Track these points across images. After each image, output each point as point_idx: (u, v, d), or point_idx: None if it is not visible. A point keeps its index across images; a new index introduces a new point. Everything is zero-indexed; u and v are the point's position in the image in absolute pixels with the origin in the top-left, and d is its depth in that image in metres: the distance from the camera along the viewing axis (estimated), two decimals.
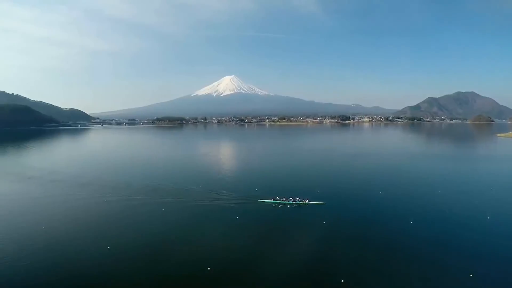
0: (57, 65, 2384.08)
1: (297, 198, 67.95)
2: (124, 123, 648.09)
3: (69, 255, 43.01)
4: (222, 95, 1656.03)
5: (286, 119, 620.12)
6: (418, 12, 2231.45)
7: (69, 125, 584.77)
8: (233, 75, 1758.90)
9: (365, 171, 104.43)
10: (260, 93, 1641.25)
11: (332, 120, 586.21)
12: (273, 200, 68.20)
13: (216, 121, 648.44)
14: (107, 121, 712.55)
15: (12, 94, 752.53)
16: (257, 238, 49.08)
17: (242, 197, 71.01)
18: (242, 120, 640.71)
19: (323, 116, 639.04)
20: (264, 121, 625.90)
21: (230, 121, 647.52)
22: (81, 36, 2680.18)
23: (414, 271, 39.04)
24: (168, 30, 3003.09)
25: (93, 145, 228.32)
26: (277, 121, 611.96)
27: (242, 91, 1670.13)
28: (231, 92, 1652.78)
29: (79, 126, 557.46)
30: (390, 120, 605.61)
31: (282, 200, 67.83)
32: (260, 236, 50.01)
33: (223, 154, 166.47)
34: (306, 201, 66.93)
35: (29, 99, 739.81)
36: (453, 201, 68.16)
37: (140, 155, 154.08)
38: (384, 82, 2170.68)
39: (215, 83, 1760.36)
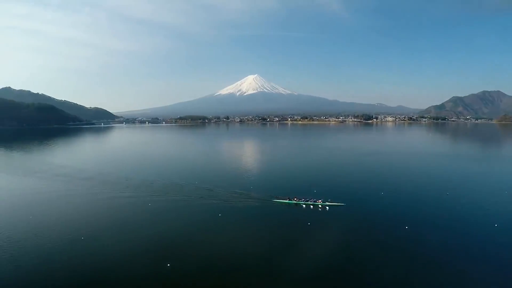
0: (82, 65, 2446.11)
1: (314, 199, 65.04)
2: (146, 122, 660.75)
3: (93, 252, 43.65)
4: (245, 94, 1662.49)
5: (308, 118, 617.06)
6: (443, 8, 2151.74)
7: (93, 124, 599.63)
8: (256, 74, 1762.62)
9: (386, 172, 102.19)
10: (283, 92, 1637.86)
11: (355, 120, 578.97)
12: (289, 200, 65.65)
13: (238, 120, 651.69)
14: (130, 120, 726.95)
15: (37, 93, 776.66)
16: (270, 241, 47.44)
17: (257, 196, 69.12)
18: (264, 119, 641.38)
19: (346, 116, 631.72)
20: (287, 120, 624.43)
21: (252, 120, 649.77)
22: (105, 36, 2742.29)
23: (438, 281, 37.03)
24: (191, 30, 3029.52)
25: (113, 143, 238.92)
26: (299, 120, 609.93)
27: (265, 90, 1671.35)
28: (254, 91, 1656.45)
29: (102, 125, 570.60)
30: (413, 120, 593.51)
31: (298, 201, 65.24)
32: (274, 238, 48.44)
33: (241, 152, 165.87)
34: (324, 202, 63.73)
35: (54, 98, 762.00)
36: (480, 205, 64.90)
37: (158, 153, 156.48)
38: (408, 81, 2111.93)
39: (238, 82, 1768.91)
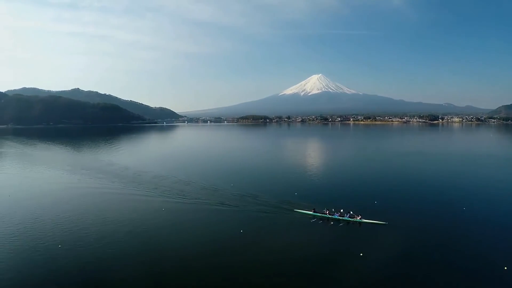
0: (148, 67, 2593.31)
1: (346, 213, 53.20)
2: (208, 121, 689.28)
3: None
4: (309, 94, 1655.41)
5: (371, 119, 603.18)
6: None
7: (155, 122, 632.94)
8: (320, 74, 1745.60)
9: (445, 181, 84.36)
10: (348, 92, 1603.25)
11: (420, 120, 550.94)
12: (313, 212, 54.88)
13: (300, 120, 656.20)
14: (194, 119, 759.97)
15: (105, 94, 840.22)
16: (285, 261, 39.07)
17: (277, 203, 60.65)
18: (326, 119, 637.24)
19: (411, 116, 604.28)
20: (349, 120, 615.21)
21: (313, 120, 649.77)
22: (167, 39, 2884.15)
23: None
24: (253, 31, 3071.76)
25: (166, 140, 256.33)
26: (361, 121, 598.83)
27: (329, 90, 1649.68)
28: (318, 91, 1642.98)
29: (164, 124, 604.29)
30: (482, 121, 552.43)
31: (325, 213, 54.18)
32: (290, 259, 39.69)
33: (285, 153, 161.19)
34: (359, 218, 51.70)
35: (120, 98, 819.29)
36: None
37: (201, 151, 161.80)
38: (477, 79, 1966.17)
39: (303, 82, 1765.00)
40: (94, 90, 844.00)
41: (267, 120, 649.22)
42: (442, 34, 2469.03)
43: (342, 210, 53.85)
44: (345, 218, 52.50)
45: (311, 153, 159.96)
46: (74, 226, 50.53)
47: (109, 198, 68.26)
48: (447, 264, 38.01)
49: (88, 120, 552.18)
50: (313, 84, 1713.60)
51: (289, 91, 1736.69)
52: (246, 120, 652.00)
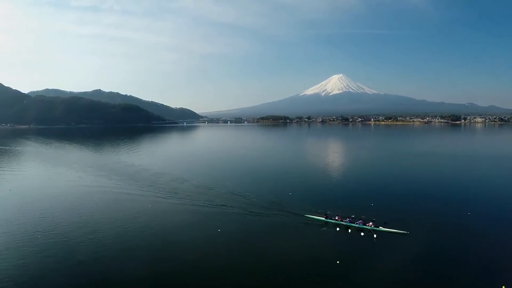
0: (169, 68, 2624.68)
1: (361, 220, 47.96)
2: (228, 122, 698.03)
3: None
4: (330, 94, 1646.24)
5: (392, 119, 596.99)
6: None
7: (175, 123, 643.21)
8: (341, 74, 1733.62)
9: (471, 186, 76.86)
10: (369, 92, 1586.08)
11: (442, 120, 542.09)
12: (326, 218, 50.08)
13: (320, 120, 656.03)
14: (214, 120, 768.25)
15: (126, 95, 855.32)
16: (291, 270, 35.76)
17: (288, 209, 55.74)
18: (347, 120, 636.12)
19: (433, 116, 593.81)
20: (370, 121, 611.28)
21: (334, 120, 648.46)
22: (188, 40, 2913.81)
23: None
24: (273, 32, 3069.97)
25: (183, 140, 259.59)
26: (382, 121, 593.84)
27: (351, 90, 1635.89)
28: (339, 91, 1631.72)
29: (184, 124, 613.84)
30: (505, 121, 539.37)
31: (338, 220, 49.26)
32: (296, 268, 36.22)
33: (298, 153, 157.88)
34: (376, 226, 46.28)
35: (141, 99, 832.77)
36: None
37: (213, 150, 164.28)
38: (501, 79, 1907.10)
39: (323, 82, 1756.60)
40: (116, 91, 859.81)
41: (287, 121, 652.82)
42: (464, 32, 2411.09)
43: (353, 216, 49.22)
44: (362, 226, 46.88)
45: (327, 154, 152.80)
46: (81, 225, 49.16)
47: (124, 199, 64.71)
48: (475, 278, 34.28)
49: (109, 121, 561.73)
50: (334, 84, 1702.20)
51: (310, 91, 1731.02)
52: (266, 120, 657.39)
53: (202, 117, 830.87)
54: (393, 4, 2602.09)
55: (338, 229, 46.84)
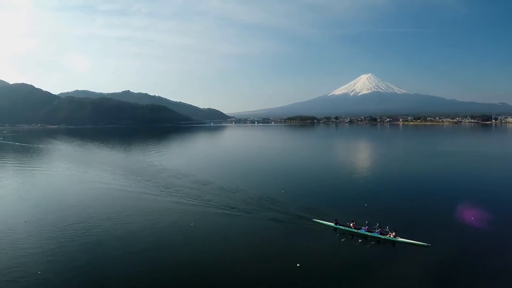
0: (196, 69, 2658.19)
1: (376, 229, 41.86)
2: (256, 122, 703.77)
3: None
4: (359, 94, 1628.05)
5: (421, 119, 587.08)
6: None
7: (203, 123, 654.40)
8: (370, 74, 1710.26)
9: (499, 193, 65.88)
10: (398, 92, 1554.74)
11: (472, 120, 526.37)
12: (335, 224, 44.82)
13: (348, 121, 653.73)
14: (242, 120, 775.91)
15: (154, 95, 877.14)
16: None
17: (296, 211, 51.41)
18: (375, 120, 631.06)
19: (463, 116, 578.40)
20: (398, 121, 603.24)
21: (361, 120, 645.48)
22: (216, 42, 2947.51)
23: None
24: (300, 32, 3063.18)
25: (212, 140, 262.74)
26: (410, 121, 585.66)
27: (379, 90, 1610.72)
28: (368, 91, 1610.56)
29: (212, 124, 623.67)
30: None
31: (349, 226, 43.81)
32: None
33: (317, 153, 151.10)
34: (393, 235, 40.44)
35: (169, 100, 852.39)
36: None
37: (233, 150, 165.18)
38: None
39: (352, 82, 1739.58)
40: (144, 92, 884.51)
41: (315, 121, 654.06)
42: (495, 30, 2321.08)
43: (367, 222, 43.39)
44: (375, 234, 41.40)
45: (347, 155, 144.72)
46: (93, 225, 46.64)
47: (144, 201, 59.95)
48: None
49: (136, 121, 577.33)
50: (362, 84, 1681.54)
51: (339, 91, 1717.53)
52: (294, 120, 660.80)
53: (229, 117, 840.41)
54: (420, 1, 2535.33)
55: (350, 237, 41.82)
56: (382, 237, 41.02)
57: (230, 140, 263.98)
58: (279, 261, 35.51)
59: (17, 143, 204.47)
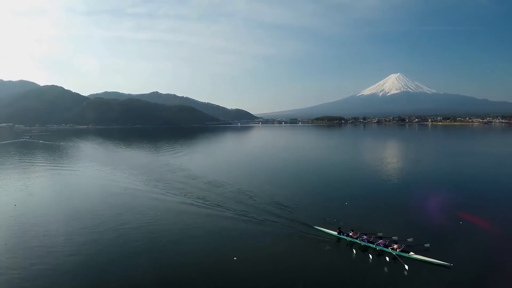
0: (224, 70, 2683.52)
1: (382, 240, 36.04)
2: (283, 122, 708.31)
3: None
4: (388, 94, 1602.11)
5: (450, 119, 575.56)
6: None
7: (230, 123, 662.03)
8: (398, 73, 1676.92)
9: None
10: (428, 92, 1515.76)
11: (503, 121, 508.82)
12: (338, 233, 39.28)
13: (376, 121, 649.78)
14: (269, 120, 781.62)
15: (182, 96, 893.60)
16: None
17: (298, 218, 45.97)
18: (403, 120, 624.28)
19: (494, 116, 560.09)
20: (427, 121, 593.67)
21: (389, 121, 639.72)
22: (243, 43, 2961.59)
23: None
24: (326, 31, 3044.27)
25: (238, 140, 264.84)
26: (439, 121, 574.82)
27: (409, 89, 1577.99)
28: (397, 91, 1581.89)
29: (238, 125, 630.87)
30: None
31: (352, 236, 37.99)
32: None
33: (336, 152, 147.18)
34: (405, 251, 33.70)
35: (197, 100, 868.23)
36: None
37: (253, 150, 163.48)
38: None
39: (381, 82, 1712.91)
40: (172, 93, 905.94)
41: (342, 121, 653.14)
42: None
43: (373, 233, 37.94)
44: (383, 248, 34.97)
45: (367, 156, 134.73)
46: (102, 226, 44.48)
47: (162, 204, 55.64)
48: None
49: (164, 121, 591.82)
50: (391, 83, 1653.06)
51: (367, 91, 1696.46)
52: (321, 121, 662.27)
53: (257, 118, 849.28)
54: None
55: (354, 250, 35.69)
56: (393, 252, 33.74)
57: (252, 140, 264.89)
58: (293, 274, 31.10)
59: (40, 141, 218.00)
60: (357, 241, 37.21)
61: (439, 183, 72.26)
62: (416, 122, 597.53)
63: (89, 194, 65.32)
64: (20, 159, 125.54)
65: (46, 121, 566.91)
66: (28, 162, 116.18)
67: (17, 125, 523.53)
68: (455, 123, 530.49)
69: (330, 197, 60.13)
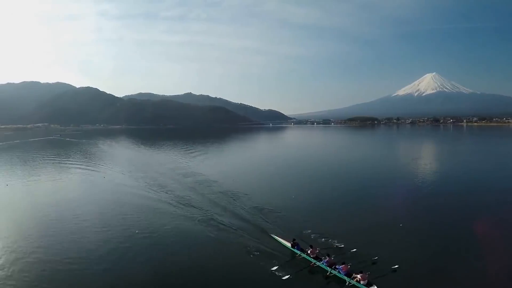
0: (257, 71, 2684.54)
1: (344, 265, 26.99)
2: (315, 123, 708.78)
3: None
4: (423, 94, 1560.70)
5: (486, 120, 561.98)
6: None
7: (262, 124, 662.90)
8: (434, 73, 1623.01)
9: None
10: (465, 92, 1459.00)
11: None
12: (292, 246, 32.23)
13: (409, 122, 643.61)
14: (302, 121, 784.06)
15: (215, 97, 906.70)
16: None
17: (254, 224, 41.09)
18: (437, 121, 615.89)
19: None
20: (462, 122, 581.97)
21: (423, 121, 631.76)
22: (275, 43, 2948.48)
23: None
24: (359, 31, 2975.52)
25: (268, 140, 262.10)
26: (475, 122, 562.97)
27: (445, 89, 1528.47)
28: (433, 91, 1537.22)
29: (270, 125, 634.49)
30: None
31: (310, 254, 29.97)
32: None
33: (347, 151, 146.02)
34: (370, 284, 24.58)
35: (230, 101, 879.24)
36: None
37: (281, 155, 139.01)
38: None
39: (416, 82, 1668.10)
40: (206, 94, 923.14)
41: (375, 122, 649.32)
42: None
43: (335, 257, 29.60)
44: (343, 276, 26.58)
45: (378, 159, 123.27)
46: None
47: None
48: None
49: (196, 122, 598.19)
50: (427, 83, 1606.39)
51: (402, 91, 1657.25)
52: (354, 122, 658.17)
53: (290, 118, 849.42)
54: None
55: (302, 271, 28.18)
56: (346, 278, 26.10)
57: (280, 141, 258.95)
58: None
59: (67, 139, 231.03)
60: (312, 260, 29.42)
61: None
62: (450, 122, 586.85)
63: (89, 192, 66.03)
64: (35, 153, 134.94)
65: (81, 121, 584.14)
66: (39, 156, 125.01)
67: (52, 125, 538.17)
68: (491, 124, 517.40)
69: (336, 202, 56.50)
